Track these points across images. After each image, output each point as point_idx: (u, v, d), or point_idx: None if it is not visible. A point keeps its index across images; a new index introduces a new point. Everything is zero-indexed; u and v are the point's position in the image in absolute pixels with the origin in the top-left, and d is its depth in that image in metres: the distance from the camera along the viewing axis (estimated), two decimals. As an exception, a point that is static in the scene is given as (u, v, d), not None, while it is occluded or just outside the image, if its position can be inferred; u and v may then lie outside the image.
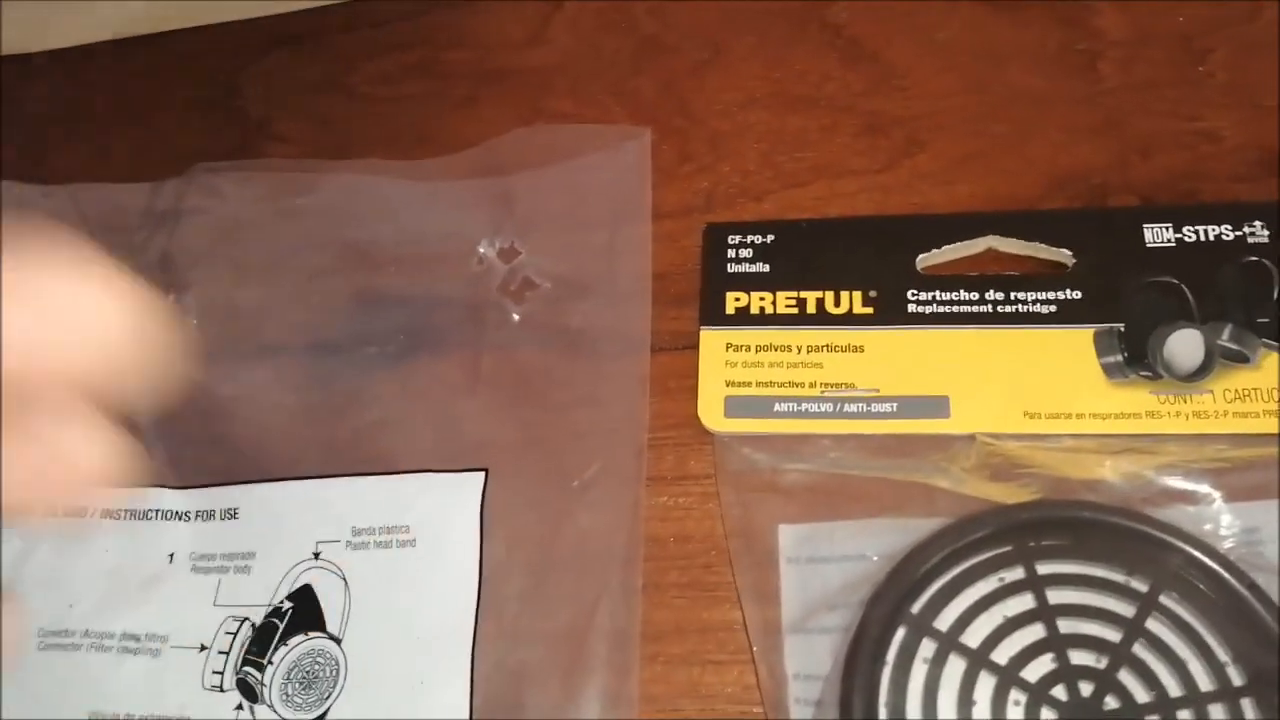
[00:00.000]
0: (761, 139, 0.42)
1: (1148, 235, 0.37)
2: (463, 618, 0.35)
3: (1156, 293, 0.36)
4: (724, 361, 0.37)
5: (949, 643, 0.31)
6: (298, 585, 0.36)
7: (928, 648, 0.31)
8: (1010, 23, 0.43)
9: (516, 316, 0.40)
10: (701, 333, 0.38)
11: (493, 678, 0.34)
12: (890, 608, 0.31)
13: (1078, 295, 0.36)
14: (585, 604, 0.35)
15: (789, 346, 0.37)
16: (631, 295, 0.39)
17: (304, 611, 0.36)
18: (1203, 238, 0.36)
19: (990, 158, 0.40)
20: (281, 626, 0.36)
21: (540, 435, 0.38)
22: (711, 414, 0.36)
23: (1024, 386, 0.35)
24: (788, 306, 0.38)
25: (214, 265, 0.42)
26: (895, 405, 0.35)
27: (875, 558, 0.33)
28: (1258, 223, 0.36)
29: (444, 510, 0.37)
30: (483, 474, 0.37)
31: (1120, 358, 0.35)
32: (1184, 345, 0.34)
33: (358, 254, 0.41)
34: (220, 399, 0.39)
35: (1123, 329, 0.35)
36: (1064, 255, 0.37)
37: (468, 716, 0.34)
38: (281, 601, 0.36)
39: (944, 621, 0.31)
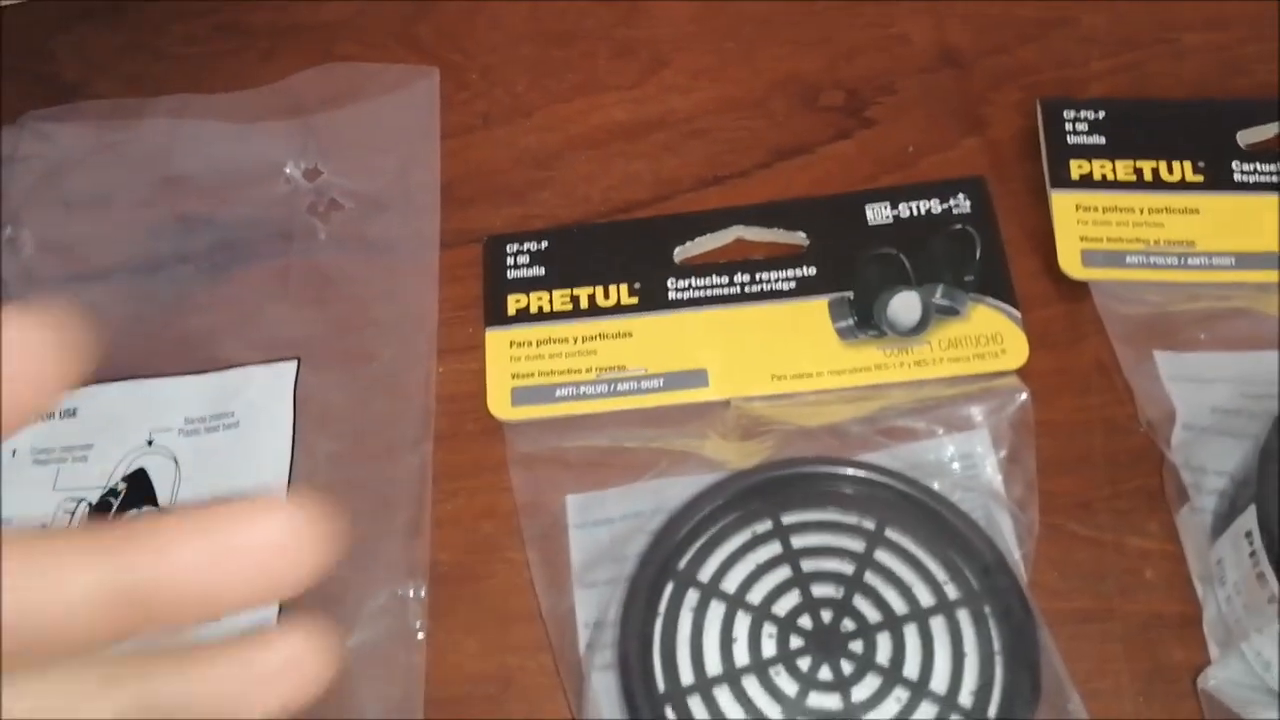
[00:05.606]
0: (530, 68, 0.49)
1: (869, 214, 0.42)
2: (278, 478, 0.40)
3: (879, 263, 0.41)
4: (509, 357, 0.41)
5: (711, 590, 0.35)
6: (133, 469, 0.40)
7: (693, 597, 0.35)
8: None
9: (323, 235, 0.45)
10: (486, 334, 0.41)
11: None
12: (657, 568, 0.35)
13: (813, 271, 0.41)
14: (390, 456, 0.40)
15: (566, 339, 0.41)
16: (423, 207, 0.45)
17: (137, 490, 0.40)
18: (916, 212, 0.42)
19: (724, 69, 0.47)
20: (116, 504, 0.40)
21: (344, 328, 0.43)
22: (499, 405, 0.40)
23: (771, 354, 0.40)
24: (563, 304, 0.41)
25: (46, 203, 0.47)
26: (661, 381, 0.40)
27: (649, 513, 0.37)
28: (960, 195, 0.42)
29: (264, 396, 0.41)
30: (295, 363, 0.42)
31: (851, 321, 0.40)
32: (904, 306, 0.39)
33: (175, 185, 0.46)
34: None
35: (852, 297, 0.40)
36: (799, 238, 0.42)
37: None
38: (117, 483, 0.40)
39: (705, 573, 0.35)
